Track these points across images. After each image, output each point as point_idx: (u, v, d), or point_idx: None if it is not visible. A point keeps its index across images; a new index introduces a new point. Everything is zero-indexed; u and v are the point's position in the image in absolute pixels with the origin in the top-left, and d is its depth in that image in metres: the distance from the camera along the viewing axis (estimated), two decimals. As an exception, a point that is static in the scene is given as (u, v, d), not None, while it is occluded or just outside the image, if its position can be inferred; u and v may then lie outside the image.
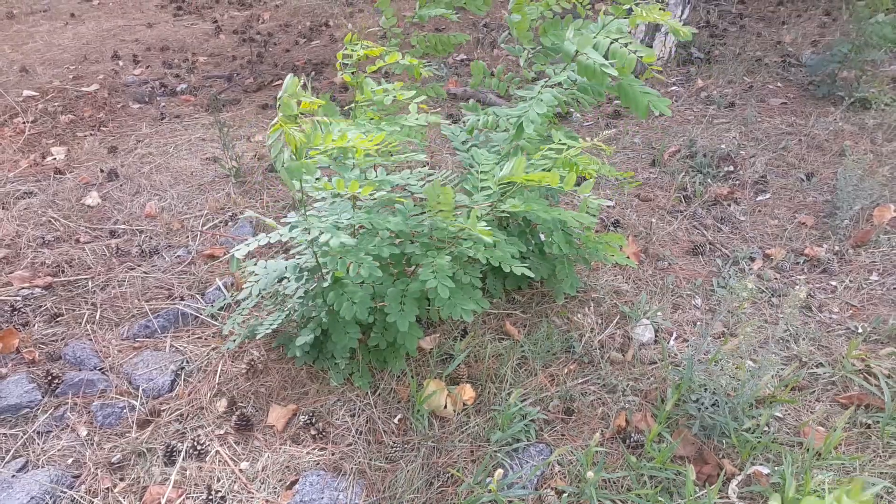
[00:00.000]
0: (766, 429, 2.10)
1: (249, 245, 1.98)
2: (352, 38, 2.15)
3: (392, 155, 2.04)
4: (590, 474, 1.86)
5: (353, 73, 2.16)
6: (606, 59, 1.95)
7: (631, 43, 1.94)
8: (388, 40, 2.65)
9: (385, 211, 2.22)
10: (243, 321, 2.52)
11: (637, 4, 2.01)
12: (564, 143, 2.06)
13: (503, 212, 2.04)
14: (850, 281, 2.75)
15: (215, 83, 4.99)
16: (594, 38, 1.99)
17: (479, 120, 2.44)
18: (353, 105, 2.21)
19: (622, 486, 1.96)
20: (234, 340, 2.39)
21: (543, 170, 1.97)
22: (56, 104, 4.61)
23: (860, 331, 2.50)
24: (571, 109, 4.07)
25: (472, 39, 5.35)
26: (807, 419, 2.14)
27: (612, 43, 1.94)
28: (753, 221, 3.14)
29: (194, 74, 5.15)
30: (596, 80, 1.95)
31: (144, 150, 3.94)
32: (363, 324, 2.30)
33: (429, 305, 2.39)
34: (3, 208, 3.33)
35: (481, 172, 2.18)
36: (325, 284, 2.11)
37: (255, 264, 2.30)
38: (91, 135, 4.19)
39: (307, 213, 2.05)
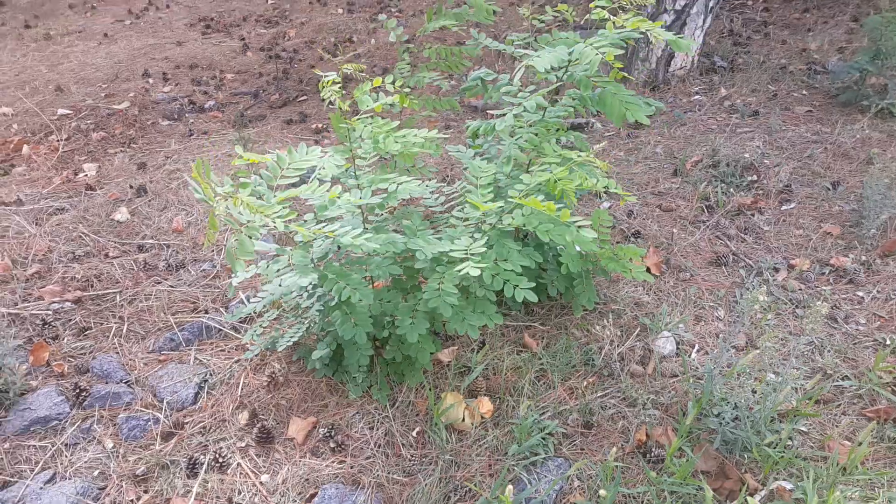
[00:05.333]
0: (789, 443, 2.07)
1: (248, 273, 2.11)
2: (325, 84, 2.08)
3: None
4: (602, 492, 1.85)
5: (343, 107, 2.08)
6: (573, 60, 1.97)
7: (606, 48, 1.93)
8: (399, 56, 2.68)
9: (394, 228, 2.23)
10: (263, 332, 2.55)
11: (621, 9, 2.01)
12: (557, 158, 2.05)
13: (508, 225, 2.04)
14: (878, 291, 2.70)
15: (242, 99, 5.09)
16: (581, 45, 1.99)
17: (480, 126, 2.46)
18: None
19: (642, 502, 1.94)
20: (255, 350, 2.43)
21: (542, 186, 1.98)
22: (88, 122, 4.73)
23: (888, 342, 2.45)
24: (592, 119, 4.07)
25: (493, 53, 5.38)
26: (832, 433, 2.11)
27: (586, 47, 1.93)
28: (778, 231, 3.10)
29: (222, 91, 5.25)
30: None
31: (173, 167, 4.02)
32: (378, 338, 2.32)
33: (444, 320, 2.40)
34: (36, 224, 3.42)
35: (481, 186, 2.18)
36: (333, 303, 2.13)
37: (273, 281, 2.33)
38: (121, 151, 4.29)
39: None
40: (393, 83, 2.08)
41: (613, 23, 1.92)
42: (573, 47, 1.97)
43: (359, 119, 2.08)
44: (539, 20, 2.65)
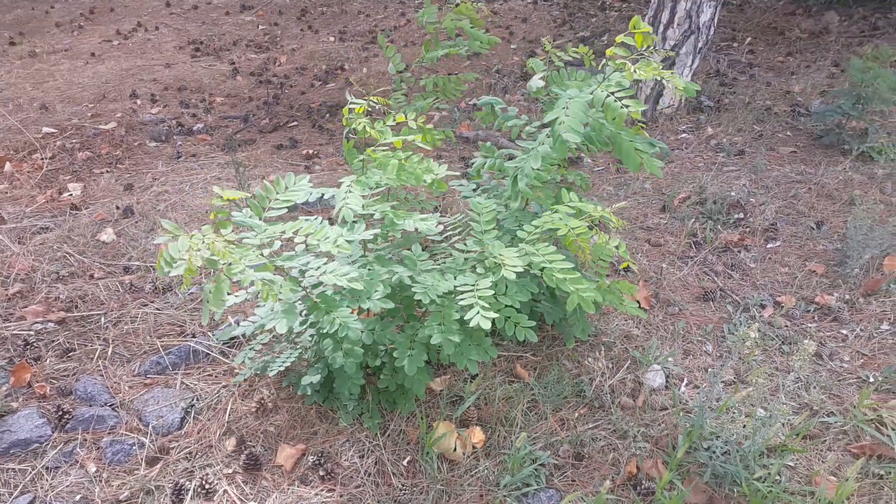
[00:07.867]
0: (777, 478, 2.08)
1: (238, 299, 2.15)
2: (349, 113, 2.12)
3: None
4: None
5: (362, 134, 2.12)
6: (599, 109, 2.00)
7: (625, 97, 1.95)
8: (396, 85, 2.69)
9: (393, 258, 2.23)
10: (254, 356, 2.52)
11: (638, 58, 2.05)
12: (571, 209, 2.06)
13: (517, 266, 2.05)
14: (861, 330, 2.74)
15: (231, 123, 5.08)
16: (591, 91, 2.02)
17: (485, 163, 2.48)
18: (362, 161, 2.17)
19: (633, 535, 1.94)
20: (244, 375, 2.40)
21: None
22: (74, 141, 4.69)
23: (872, 380, 2.49)
24: (582, 154, 4.12)
25: (485, 85, 5.45)
26: (818, 468, 2.12)
27: (607, 96, 1.96)
28: (764, 268, 3.15)
29: (211, 114, 5.24)
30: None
31: (160, 188, 4.00)
32: (370, 366, 2.30)
33: (439, 350, 2.39)
34: (19, 243, 3.37)
35: (484, 223, 2.19)
36: (325, 330, 2.12)
37: (263, 306, 2.31)
38: (107, 172, 4.26)
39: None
40: (415, 119, 2.10)
41: (632, 70, 1.94)
42: (591, 91, 1.99)
43: (373, 150, 2.09)
44: (557, 57, 2.64)
